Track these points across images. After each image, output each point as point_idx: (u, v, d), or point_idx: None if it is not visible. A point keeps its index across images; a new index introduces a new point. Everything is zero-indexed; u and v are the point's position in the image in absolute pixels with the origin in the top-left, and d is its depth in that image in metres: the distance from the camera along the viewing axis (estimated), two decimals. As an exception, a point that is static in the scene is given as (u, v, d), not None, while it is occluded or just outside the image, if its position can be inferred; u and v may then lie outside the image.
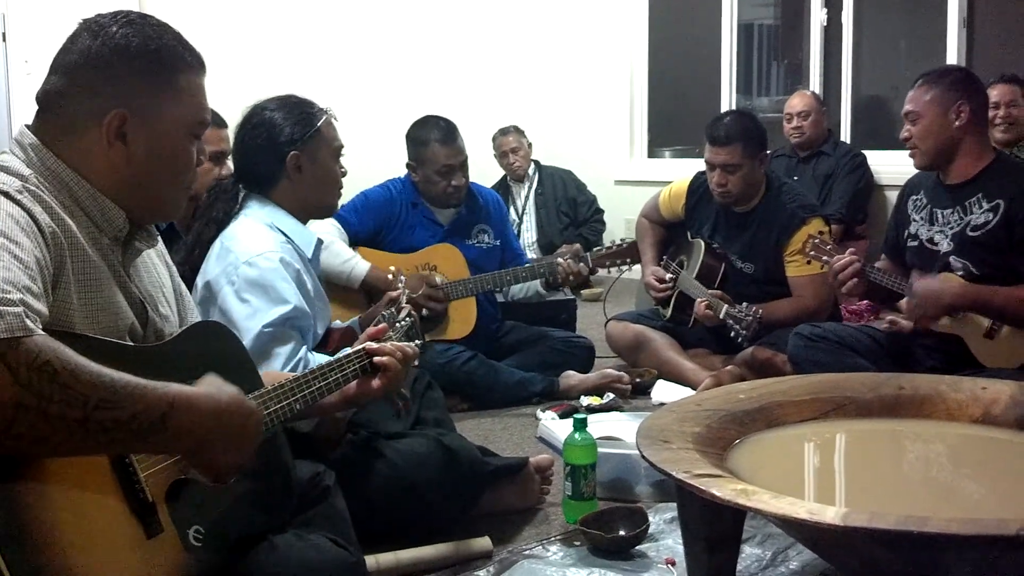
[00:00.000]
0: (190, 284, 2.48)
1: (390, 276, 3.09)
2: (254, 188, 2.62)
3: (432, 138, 3.94)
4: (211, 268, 2.46)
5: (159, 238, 1.77)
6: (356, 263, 3.75)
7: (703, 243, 4.11)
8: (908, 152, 3.32)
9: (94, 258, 1.55)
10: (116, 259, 1.62)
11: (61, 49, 1.60)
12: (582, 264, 3.94)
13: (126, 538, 1.40)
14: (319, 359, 2.42)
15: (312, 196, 2.63)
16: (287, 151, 2.57)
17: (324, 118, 2.65)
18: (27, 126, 1.60)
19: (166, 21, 1.69)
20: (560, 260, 3.92)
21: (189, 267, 2.54)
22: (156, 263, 1.79)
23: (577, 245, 6.33)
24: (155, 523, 1.45)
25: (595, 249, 4.16)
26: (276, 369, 2.32)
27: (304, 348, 2.43)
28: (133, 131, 1.58)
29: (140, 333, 1.63)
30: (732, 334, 3.68)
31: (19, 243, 1.36)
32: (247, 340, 2.30)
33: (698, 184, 4.19)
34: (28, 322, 1.26)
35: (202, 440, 1.43)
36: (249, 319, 2.36)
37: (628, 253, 4.10)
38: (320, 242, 2.66)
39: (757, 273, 3.99)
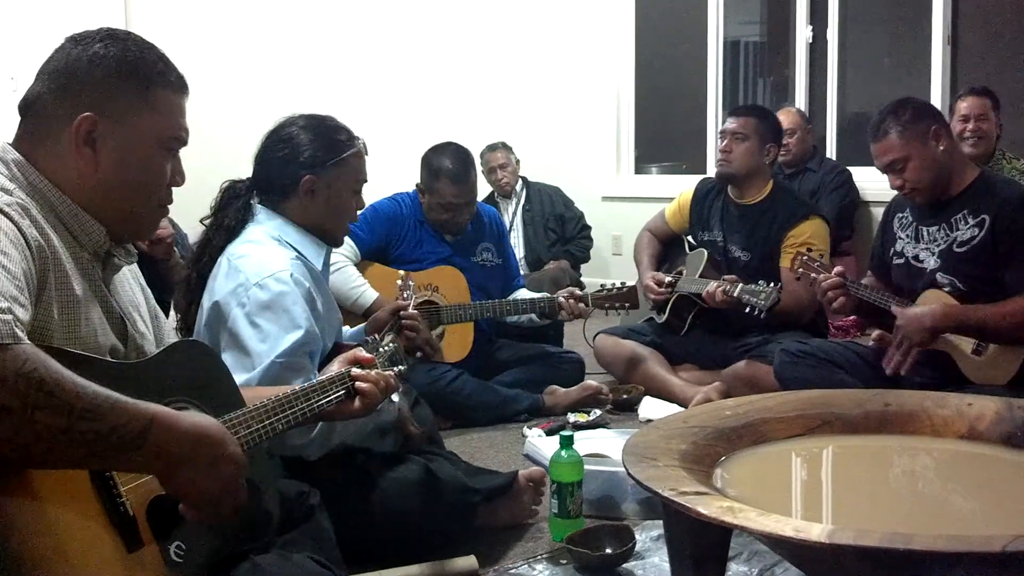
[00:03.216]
0: (198, 291, 2.47)
1: (399, 282, 3.07)
2: (266, 199, 2.57)
3: (444, 172, 3.92)
4: (219, 287, 2.39)
5: (136, 255, 1.77)
6: (364, 291, 3.77)
7: (706, 253, 4.20)
8: (907, 196, 3.31)
9: (76, 275, 1.55)
10: (97, 274, 1.63)
11: (47, 59, 1.63)
12: (583, 305, 3.96)
13: (107, 551, 1.39)
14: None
15: (321, 222, 2.55)
16: (303, 173, 2.51)
17: (353, 150, 2.58)
18: (8, 142, 1.61)
19: (151, 40, 1.70)
20: (562, 299, 3.94)
21: (197, 273, 2.51)
22: (132, 283, 1.79)
23: (565, 262, 6.34)
24: (136, 537, 1.43)
25: (595, 291, 4.15)
26: None
27: (314, 374, 2.35)
28: (103, 137, 1.59)
29: (121, 350, 1.63)
30: (748, 309, 3.72)
31: (8, 254, 1.37)
32: (260, 368, 2.26)
33: (705, 186, 4.37)
34: (17, 330, 1.26)
35: (178, 462, 1.41)
36: (261, 344, 2.29)
37: (628, 297, 4.12)
38: (330, 249, 2.62)
39: (753, 261, 4.06)
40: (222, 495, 1.48)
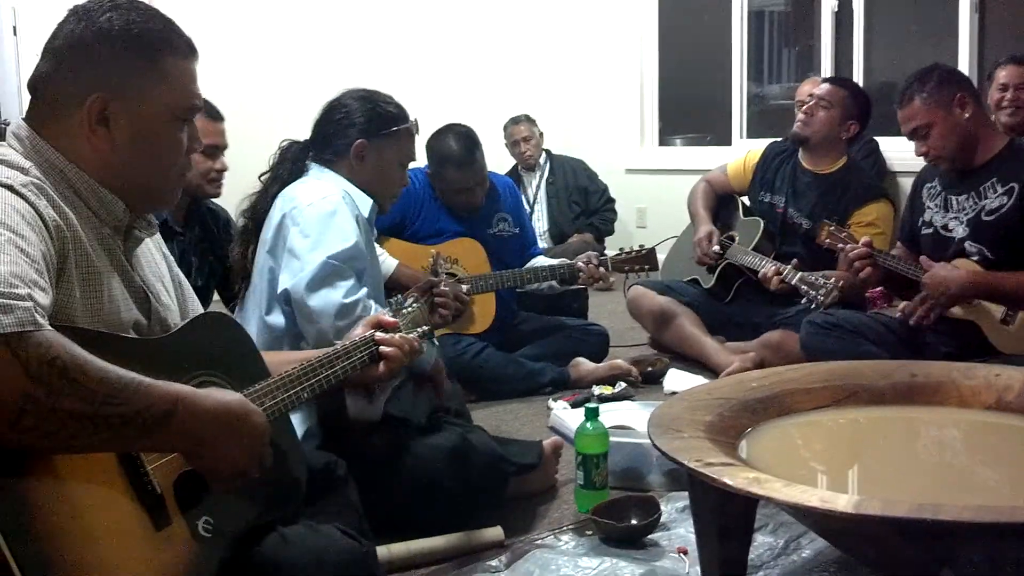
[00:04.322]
0: (254, 236, 2.64)
1: (431, 260, 3.08)
2: (319, 158, 2.72)
3: (450, 160, 3.91)
4: (274, 219, 2.58)
5: (157, 226, 1.76)
6: (384, 259, 3.76)
7: (761, 223, 4.17)
8: (932, 163, 3.29)
9: (97, 251, 1.54)
10: (118, 248, 1.61)
11: (51, 35, 1.60)
12: (602, 269, 3.95)
13: (135, 530, 1.40)
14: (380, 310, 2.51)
15: (367, 187, 2.70)
16: (357, 137, 2.67)
17: (406, 125, 2.75)
18: (23, 118, 1.59)
19: (157, 7, 1.67)
20: (581, 264, 3.92)
21: (252, 220, 2.68)
22: (154, 253, 1.78)
23: (589, 235, 6.32)
24: (164, 515, 1.44)
25: (614, 254, 4.15)
26: (337, 298, 2.43)
27: (364, 289, 2.51)
28: (115, 115, 1.57)
29: (145, 324, 1.63)
30: (805, 300, 3.66)
31: (25, 237, 1.36)
32: (310, 269, 2.45)
33: (775, 148, 4.34)
34: (38, 316, 1.26)
35: (204, 440, 1.42)
36: (312, 251, 2.47)
37: (647, 260, 4.11)
38: (375, 207, 2.74)
39: (814, 230, 3.98)
40: (248, 467, 1.50)
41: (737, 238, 4.27)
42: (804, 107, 4.11)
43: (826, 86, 4.13)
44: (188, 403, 1.38)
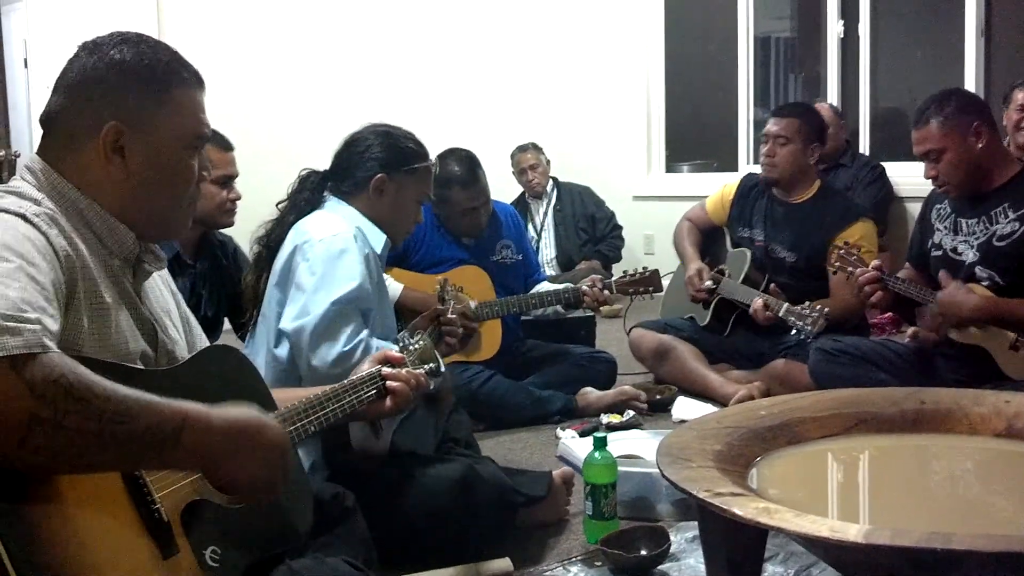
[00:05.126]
0: (267, 264, 2.69)
1: (437, 287, 3.08)
2: (337, 190, 2.76)
3: (454, 180, 3.91)
4: (285, 250, 2.62)
5: (166, 260, 1.78)
6: (389, 284, 3.76)
7: (749, 254, 4.16)
8: (939, 188, 3.29)
9: (106, 282, 1.56)
10: (127, 281, 1.64)
11: (62, 71, 1.64)
12: (606, 292, 3.94)
13: (142, 559, 1.40)
14: (381, 345, 2.53)
15: (382, 221, 2.73)
16: (377, 171, 2.70)
17: (426, 163, 2.81)
18: (36, 153, 1.63)
19: (174, 40, 1.72)
20: (585, 287, 3.92)
21: (267, 248, 2.71)
22: (162, 289, 1.80)
23: (596, 262, 6.32)
24: (171, 544, 1.44)
25: (618, 276, 4.15)
26: (336, 351, 2.46)
27: (366, 331, 2.54)
28: (130, 144, 1.60)
29: (152, 356, 1.64)
30: (794, 332, 3.69)
31: (36, 265, 1.38)
32: (315, 315, 2.49)
33: (750, 181, 4.33)
34: (45, 340, 1.27)
35: (218, 456, 1.43)
36: (316, 292, 2.51)
37: (651, 281, 4.09)
38: (388, 244, 2.77)
39: (799, 262, 4.03)
40: (270, 481, 1.51)
41: (727, 272, 4.26)
42: (764, 148, 4.11)
43: (776, 123, 4.11)
44: (194, 420, 1.39)
